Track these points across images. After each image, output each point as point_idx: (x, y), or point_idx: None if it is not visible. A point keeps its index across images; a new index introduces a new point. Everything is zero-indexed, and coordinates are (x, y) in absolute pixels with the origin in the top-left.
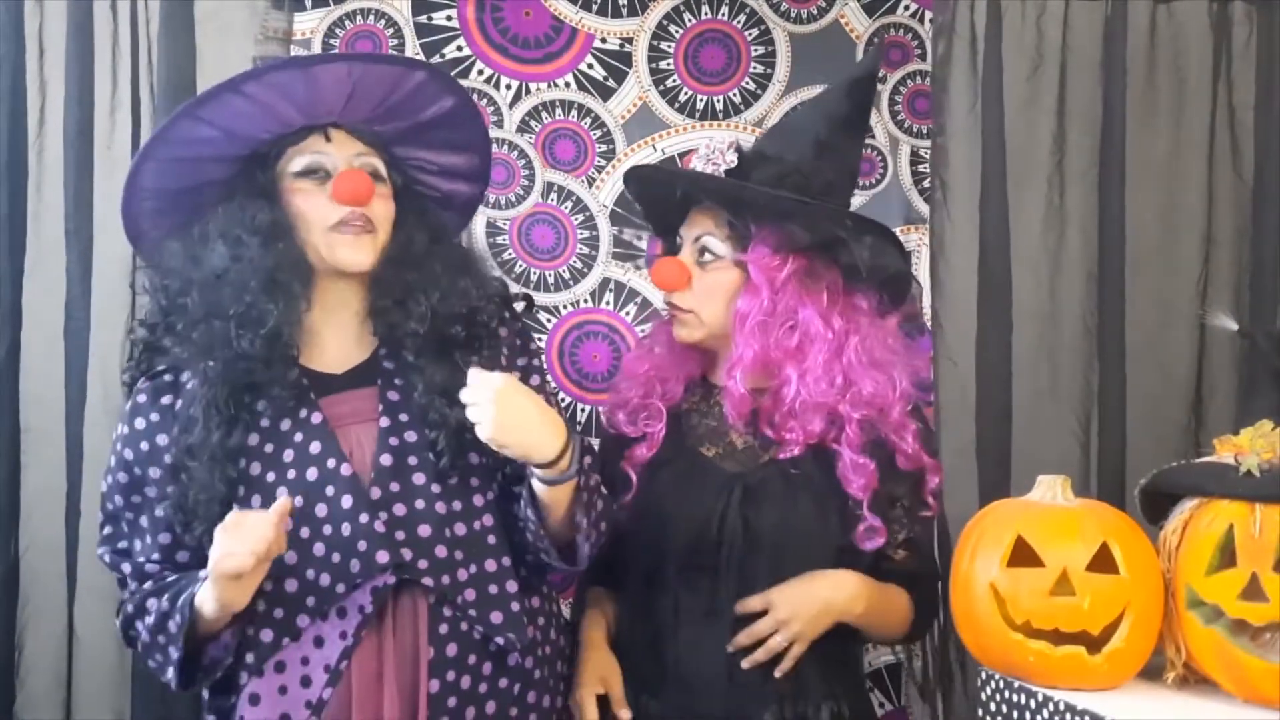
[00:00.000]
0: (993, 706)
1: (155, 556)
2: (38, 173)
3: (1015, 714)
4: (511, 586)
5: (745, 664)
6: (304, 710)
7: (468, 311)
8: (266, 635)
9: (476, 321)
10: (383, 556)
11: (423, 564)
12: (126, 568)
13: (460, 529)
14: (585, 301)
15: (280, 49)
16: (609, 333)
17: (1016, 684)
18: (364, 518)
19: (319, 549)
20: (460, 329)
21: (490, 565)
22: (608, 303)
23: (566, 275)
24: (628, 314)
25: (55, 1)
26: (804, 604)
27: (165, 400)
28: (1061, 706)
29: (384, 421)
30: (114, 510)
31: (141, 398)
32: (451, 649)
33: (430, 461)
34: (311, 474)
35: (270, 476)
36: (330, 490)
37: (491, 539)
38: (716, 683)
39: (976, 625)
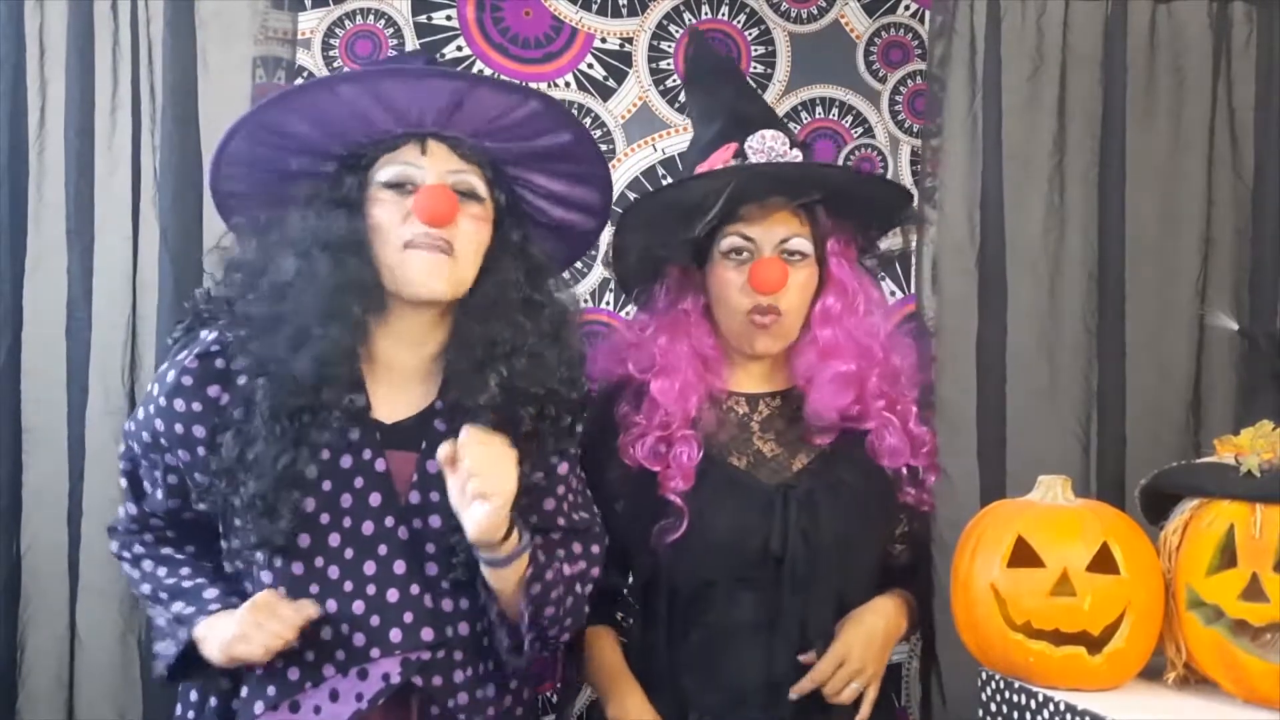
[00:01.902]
0: (993, 707)
1: (161, 512)
2: (38, 173)
3: (1015, 714)
4: (491, 690)
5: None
6: None
7: (544, 393)
8: (293, 674)
9: (546, 414)
10: (427, 634)
11: (423, 656)
12: (132, 508)
13: (464, 629)
14: (585, 302)
15: (282, 49)
16: (609, 332)
17: (1017, 684)
18: (415, 589)
19: (359, 607)
20: (531, 413)
21: (483, 668)
22: (607, 303)
23: (566, 275)
24: (627, 314)
25: (56, 1)
26: (871, 648)
27: (211, 392)
28: (1062, 707)
29: (414, 497)
30: (133, 453)
31: (186, 379)
32: None
33: (445, 554)
34: (367, 528)
35: (324, 518)
36: (383, 549)
37: (486, 640)
38: (772, 695)
39: (977, 626)
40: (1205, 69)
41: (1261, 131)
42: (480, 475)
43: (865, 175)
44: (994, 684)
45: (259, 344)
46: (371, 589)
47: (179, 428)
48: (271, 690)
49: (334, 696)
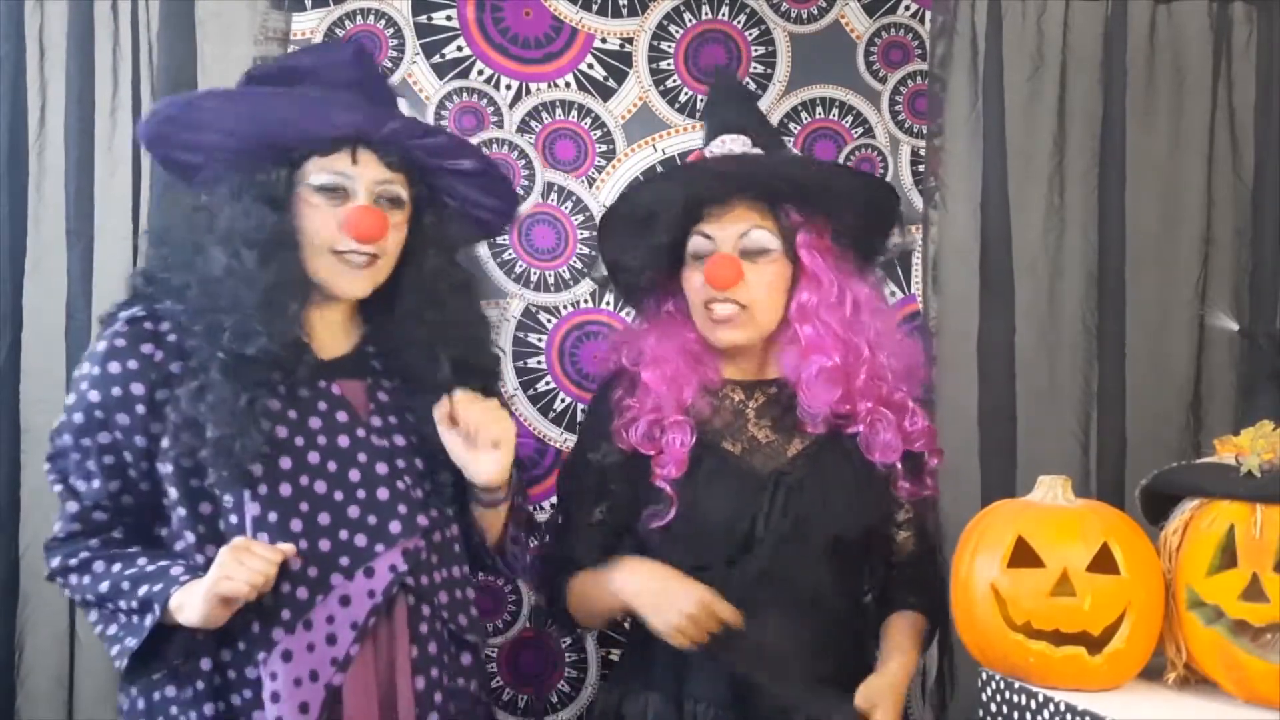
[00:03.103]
0: (993, 707)
1: (104, 503)
2: (38, 173)
3: (1016, 714)
4: (470, 593)
5: None
6: (330, 667)
7: (486, 368)
8: (302, 593)
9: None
10: (423, 520)
11: (419, 544)
12: (72, 506)
13: (437, 536)
14: (585, 302)
15: (281, 49)
16: (609, 333)
17: (1017, 685)
18: (401, 484)
19: (354, 511)
20: (474, 385)
21: (456, 571)
22: (608, 303)
23: (566, 275)
24: (628, 314)
25: (56, 2)
26: (896, 705)
27: (145, 349)
28: (1062, 707)
29: (375, 421)
30: (64, 447)
31: (120, 341)
32: (432, 647)
33: (415, 468)
34: (343, 440)
35: (299, 440)
36: (363, 457)
37: (457, 547)
38: (760, 677)
39: (977, 626)
40: (1205, 69)
41: (1261, 132)
42: (488, 425)
43: (814, 162)
44: (994, 684)
45: (203, 325)
46: (362, 493)
47: (117, 390)
48: (286, 614)
49: (345, 601)
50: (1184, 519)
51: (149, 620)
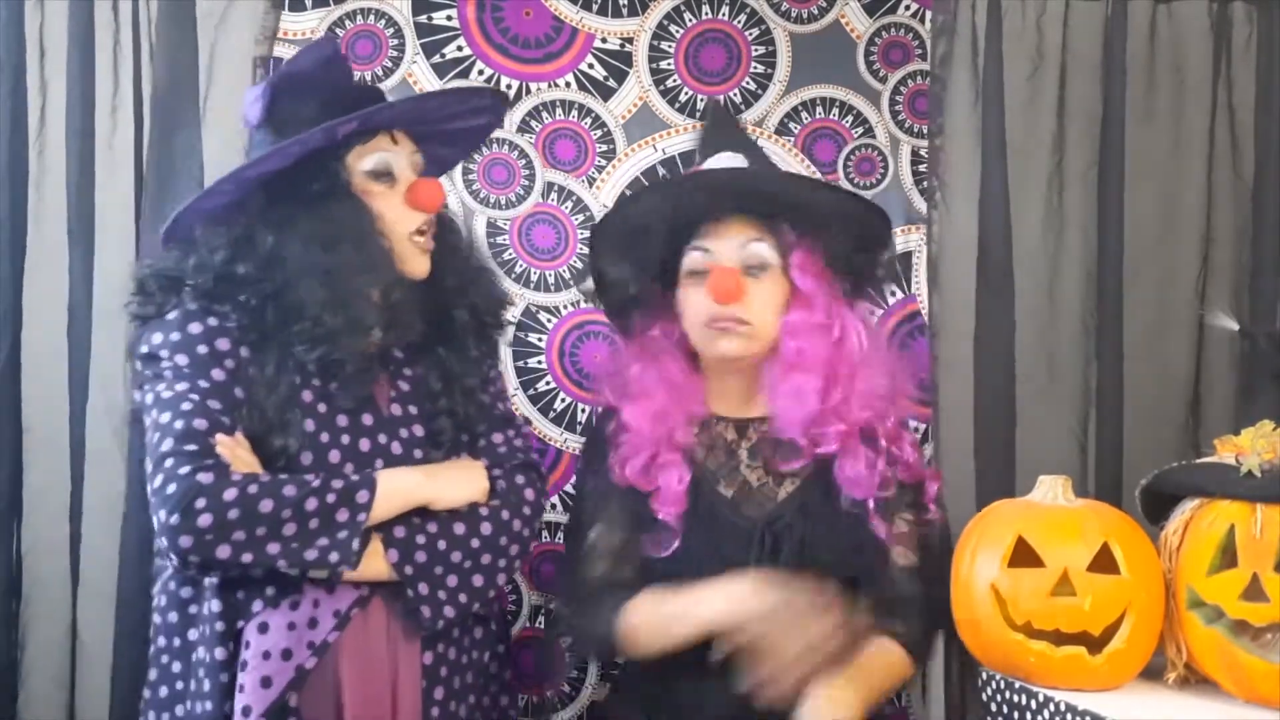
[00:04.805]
0: (994, 707)
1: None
2: (38, 173)
3: (1016, 714)
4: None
5: None
6: (305, 650)
7: (485, 304)
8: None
9: (486, 321)
10: (433, 527)
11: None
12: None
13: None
14: (585, 302)
15: (282, 49)
16: (610, 333)
17: (1017, 684)
18: None
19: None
20: (471, 319)
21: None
22: None
23: (567, 275)
24: None
25: (56, 1)
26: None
27: (218, 308)
28: (1062, 707)
29: (395, 410)
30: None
31: (193, 305)
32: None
33: (433, 455)
34: (364, 445)
35: (324, 437)
36: (379, 464)
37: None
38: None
39: (977, 626)
40: (1205, 69)
41: (1261, 131)
42: None
43: (807, 180)
44: (994, 684)
45: (288, 334)
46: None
47: (202, 349)
48: (270, 590)
49: (331, 589)
50: (1184, 519)
51: (362, 496)
